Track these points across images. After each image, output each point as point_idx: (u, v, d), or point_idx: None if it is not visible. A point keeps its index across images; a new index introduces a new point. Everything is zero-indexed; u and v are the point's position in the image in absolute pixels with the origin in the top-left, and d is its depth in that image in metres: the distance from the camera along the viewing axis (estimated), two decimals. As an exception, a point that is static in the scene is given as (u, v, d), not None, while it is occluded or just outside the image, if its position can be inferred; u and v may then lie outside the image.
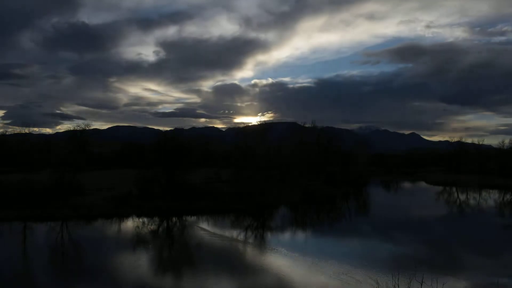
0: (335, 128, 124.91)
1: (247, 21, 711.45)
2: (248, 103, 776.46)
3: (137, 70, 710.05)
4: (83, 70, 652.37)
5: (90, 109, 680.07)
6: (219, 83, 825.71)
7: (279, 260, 24.47)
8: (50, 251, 26.44)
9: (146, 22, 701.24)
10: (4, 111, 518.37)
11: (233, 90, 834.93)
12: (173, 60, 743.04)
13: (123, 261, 24.61)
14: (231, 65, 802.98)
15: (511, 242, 31.18)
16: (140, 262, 24.22)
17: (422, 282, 11.53)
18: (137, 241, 29.75)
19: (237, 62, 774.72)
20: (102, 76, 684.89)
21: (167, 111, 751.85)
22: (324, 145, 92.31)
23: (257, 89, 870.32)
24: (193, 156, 54.92)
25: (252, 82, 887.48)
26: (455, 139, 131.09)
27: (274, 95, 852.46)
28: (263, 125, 68.88)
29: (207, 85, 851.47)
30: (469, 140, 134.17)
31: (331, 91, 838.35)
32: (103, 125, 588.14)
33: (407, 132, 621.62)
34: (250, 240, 30.67)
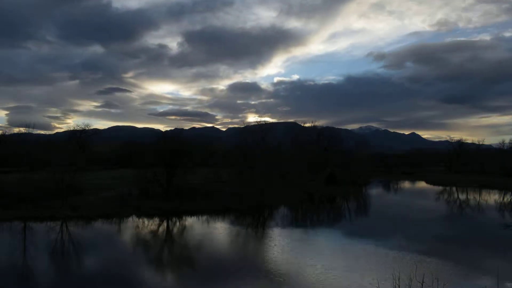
0: (335, 128, 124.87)
1: (289, 6, 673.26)
2: (264, 100, 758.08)
3: (157, 64, 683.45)
4: (99, 65, 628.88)
5: (98, 109, 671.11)
6: (237, 81, 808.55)
7: (278, 260, 24.45)
8: (50, 251, 26.41)
9: (179, 7, 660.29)
10: (7, 112, 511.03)
11: (250, 89, 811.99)
12: (196, 53, 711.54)
13: (123, 261, 24.59)
14: (258, 60, 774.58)
15: (511, 242, 31.16)
16: (140, 263, 24.21)
17: (422, 282, 11.51)
18: (137, 241, 29.75)
19: (266, 56, 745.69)
20: (119, 72, 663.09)
21: (177, 109, 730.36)
22: (324, 145, 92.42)
23: (277, 87, 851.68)
24: (193, 156, 54.91)
25: (275, 80, 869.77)
26: (456, 139, 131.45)
27: (292, 93, 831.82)
28: (263, 125, 68.84)
29: (224, 83, 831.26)
30: (469, 140, 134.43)
31: (353, 90, 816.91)
32: (110, 125, 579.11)
33: (407, 132, 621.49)
34: (250, 241, 30.66)
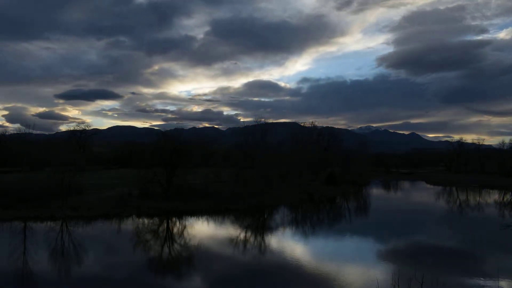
0: (335, 128, 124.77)
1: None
2: (281, 98, 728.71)
3: (178, 58, 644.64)
4: (119, 61, 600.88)
5: (108, 107, 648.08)
6: (258, 79, 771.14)
7: (277, 259, 24.45)
8: (50, 251, 26.40)
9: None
10: (7, 112, 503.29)
11: (271, 88, 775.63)
12: (221, 45, 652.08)
13: (123, 262, 24.59)
14: (287, 56, 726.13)
15: (511, 242, 31.14)
16: (139, 263, 24.20)
17: (422, 282, 11.51)
18: (137, 241, 29.72)
19: (297, 50, 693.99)
20: (137, 68, 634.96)
21: (189, 109, 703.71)
22: (324, 145, 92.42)
23: (300, 85, 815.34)
24: (193, 156, 54.89)
25: (300, 77, 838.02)
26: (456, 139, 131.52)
27: (315, 91, 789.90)
28: (263, 125, 68.71)
29: (243, 81, 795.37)
30: (469, 140, 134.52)
31: (379, 88, 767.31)
32: (119, 124, 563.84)
33: (407, 132, 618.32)
34: (249, 241, 30.65)
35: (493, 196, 67.05)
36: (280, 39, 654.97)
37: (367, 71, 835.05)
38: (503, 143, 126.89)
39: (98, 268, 22.62)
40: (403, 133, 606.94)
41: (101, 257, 25.51)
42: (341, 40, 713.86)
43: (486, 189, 78.11)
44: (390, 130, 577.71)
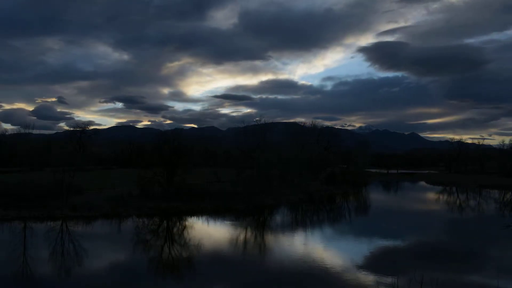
0: (335, 128, 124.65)
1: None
2: (299, 97, 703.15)
3: (198, 55, 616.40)
4: (137, 57, 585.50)
5: (117, 110, 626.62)
6: (278, 77, 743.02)
7: (277, 258, 24.45)
8: (50, 251, 26.39)
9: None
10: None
11: (290, 86, 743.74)
12: (248, 40, 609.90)
13: (123, 262, 24.60)
14: (318, 51, 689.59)
15: (511, 242, 31.17)
16: (140, 263, 24.21)
17: (422, 282, 11.52)
18: (137, 241, 29.72)
19: (330, 44, 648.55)
20: (157, 65, 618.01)
21: (206, 110, 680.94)
22: (324, 145, 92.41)
23: (324, 83, 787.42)
24: (193, 156, 54.88)
25: (326, 75, 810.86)
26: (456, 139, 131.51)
27: (331, 92, 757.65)
28: (263, 125, 68.70)
29: (262, 79, 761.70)
30: (469, 140, 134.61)
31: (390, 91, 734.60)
32: (125, 124, 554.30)
33: (407, 132, 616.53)
34: (250, 241, 30.66)
35: (493, 196, 67.05)
36: (313, 33, 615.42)
37: (398, 67, 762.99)
38: (503, 143, 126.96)
39: (98, 269, 22.60)
40: (403, 133, 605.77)
41: (101, 257, 25.49)
42: (382, 30, 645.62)
43: (486, 189, 78.10)
44: (390, 130, 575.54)
